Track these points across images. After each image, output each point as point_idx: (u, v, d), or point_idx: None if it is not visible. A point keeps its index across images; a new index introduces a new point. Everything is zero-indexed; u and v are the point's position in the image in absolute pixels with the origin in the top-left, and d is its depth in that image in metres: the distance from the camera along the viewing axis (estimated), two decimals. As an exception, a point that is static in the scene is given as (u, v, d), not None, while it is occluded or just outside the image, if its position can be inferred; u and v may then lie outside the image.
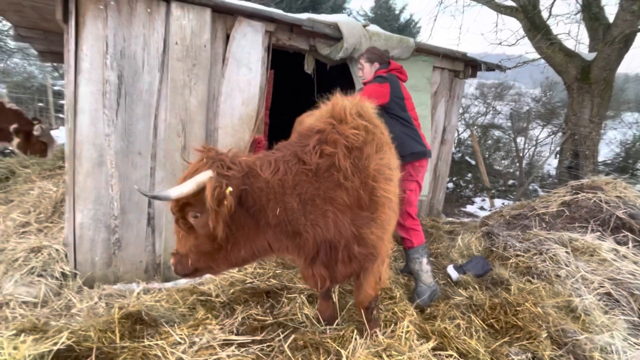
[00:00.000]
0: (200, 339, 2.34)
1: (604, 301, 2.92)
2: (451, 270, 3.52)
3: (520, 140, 10.17)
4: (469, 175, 10.57)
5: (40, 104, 12.98)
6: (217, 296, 3.02)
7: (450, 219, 6.52)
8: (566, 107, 6.91)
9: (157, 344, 2.25)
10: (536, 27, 5.88)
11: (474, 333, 2.52)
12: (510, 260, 3.52)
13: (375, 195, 2.11)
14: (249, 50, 3.58)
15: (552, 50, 5.71)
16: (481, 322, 2.70)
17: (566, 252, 3.38)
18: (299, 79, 6.41)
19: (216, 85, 3.53)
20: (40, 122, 5.11)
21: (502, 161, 11.84)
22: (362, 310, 2.45)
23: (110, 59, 3.04)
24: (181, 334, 2.37)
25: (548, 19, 5.99)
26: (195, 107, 3.38)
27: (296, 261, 2.25)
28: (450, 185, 9.98)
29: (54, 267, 3.11)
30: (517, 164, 9.87)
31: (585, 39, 6.23)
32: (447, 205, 7.54)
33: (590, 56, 5.60)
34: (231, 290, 3.10)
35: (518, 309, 2.71)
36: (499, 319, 2.69)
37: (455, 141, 10.93)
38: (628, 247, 3.44)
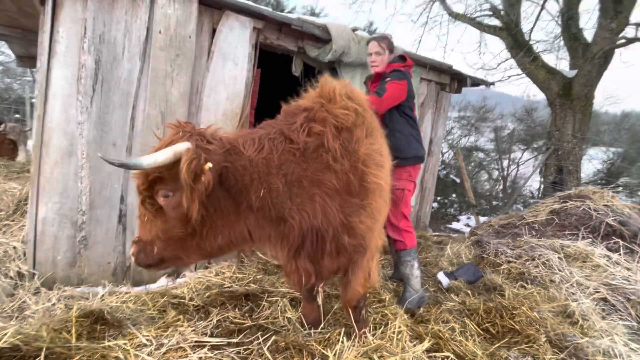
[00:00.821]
0: (169, 340, 2.08)
1: (600, 306, 2.80)
2: (442, 277, 3.36)
3: (504, 161, 10.31)
4: (454, 195, 10.60)
5: (17, 115, 12.58)
6: (191, 299, 2.76)
7: (437, 233, 6.42)
8: (549, 124, 7.05)
9: (118, 345, 1.98)
10: (519, 45, 6.04)
11: (469, 337, 2.34)
12: (502, 267, 3.39)
13: (366, 180, 1.96)
14: (236, 44, 3.48)
15: (535, 67, 5.85)
16: (476, 327, 2.52)
17: (559, 257, 3.28)
18: (286, 82, 6.35)
19: (200, 78, 3.39)
20: (5, 123, 4.84)
21: (485, 183, 11.96)
22: (350, 310, 2.25)
23: (88, 42, 2.87)
24: (147, 335, 2.11)
25: (529, 37, 6.17)
26: (177, 99, 3.22)
27: (277, 255, 2.04)
28: (435, 204, 9.97)
29: (9, 265, 2.81)
30: (501, 185, 9.95)
31: (566, 57, 6.46)
32: (432, 222, 7.46)
33: (571, 73, 5.76)
34: (207, 294, 2.84)
35: (514, 312, 2.56)
36: (495, 322, 2.52)
37: (440, 161, 11.04)
38: (620, 254, 3.36)
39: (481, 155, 12.04)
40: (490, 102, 12.99)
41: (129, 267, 3.21)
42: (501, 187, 10.03)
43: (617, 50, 5.30)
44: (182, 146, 1.57)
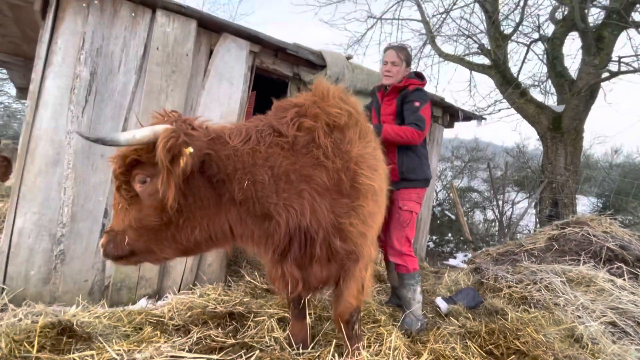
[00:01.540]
0: (142, 354, 1.88)
1: (609, 330, 2.62)
2: (440, 302, 3.17)
3: (499, 201, 10.29)
4: (450, 235, 10.45)
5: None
6: (171, 319, 2.56)
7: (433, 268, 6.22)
8: (540, 158, 7.13)
9: (84, 358, 1.78)
10: (508, 82, 6.26)
11: (472, 357, 2.15)
12: (503, 292, 3.22)
13: (358, 182, 1.88)
14: (232, 65, 3.55)
15: (524, 102, 6.02)
16: (478, 349, 2.33)
17: (562, 281, 3.13)
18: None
19: (195, 96, 3.41)
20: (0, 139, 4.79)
21: (480, 223, 11.86)
22: (342, 325, 2.07)
23: (85, 54, 2.90)
24: (118, 350, 1.91)
25: (518, 75, 6.43)
26: (171, 113, 3.20)
27: (262, 257, 1.91)
28: (431, 244, 9.80)
29: (-23, 279, 2.61)
30: (497, 225, 9.85)
31: (554, 92, 6.70)
32: (428, 259, 7.27)
33: (559, 108, 5.92)
34: (188, 314, 2.64)
35: (519, 333, 2.38)
36: (499, 344, 2.34)
37: (434, 200, 11.01)
38: (624, 279, 3.23)
39: (475, 195, 12.09)
40: (482, 142, 13.30)
41: (107, 286, 3.01)
42: (497, 227, 9.94)
43: (601, 91, 5.54)
44: (162, 127, 1.51)
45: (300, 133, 1.80)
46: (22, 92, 8.04)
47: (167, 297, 3.14)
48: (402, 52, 2.90)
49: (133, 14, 3.09)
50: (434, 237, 10.04)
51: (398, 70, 2.87)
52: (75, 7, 2.89)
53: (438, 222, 10.36)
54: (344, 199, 1.85)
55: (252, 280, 3.54)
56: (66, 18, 2.86)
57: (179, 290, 3.22)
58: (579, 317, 2.69)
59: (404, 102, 2.85)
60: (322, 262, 1.91)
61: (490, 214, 11.06)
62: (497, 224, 9.69)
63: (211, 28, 3.45)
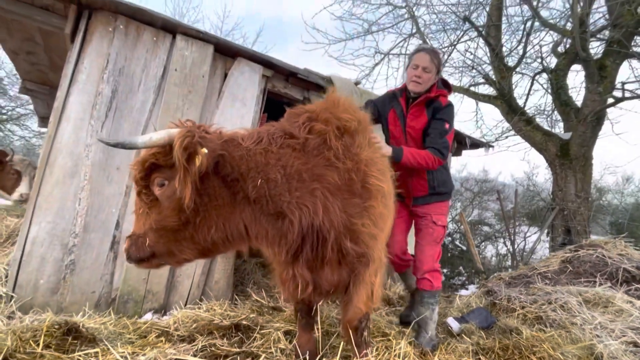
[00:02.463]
0: (146, 356, 1.85)
1: (630, 350, 2.50)
2: (452, 321, 3.07)
3: (510, 231, 10.11)
4: (461, 267, 10.21)
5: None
6: (177, 329, 2.52)
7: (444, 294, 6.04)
8: (550, 186, 7.09)
9: (88, 357, 1.77)
10: (514, 110, 6.37)
11: (485, 370, 2.06)
12: (517, 312, 3.12)
13: (368, 182, 1.92)
14: (245, 87, 3.72)
15: (531, 129, 6.08)
16: (492, 364, 2.23)
17: (578, 301, 3.02)
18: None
19: (209, 115, 3.55)
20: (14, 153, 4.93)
21: (492, 258, 11.59)
22: (350, 331, 2.02)
23: (108, 74, 3.09)
24: (123, 352, 1.89)
25: (524, 104, 6.54)
26: (185, 130, 3.33)
27: (274, 258, 1.92)
28: (442, 276, 9.58)
29: (-12, 287, 2.64)
30: (509, 254, 9.62)
31: (560, 120, 6.77)
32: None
33: (566, 136, 5.97)
34: (193, 325, 2.60)
35: (535, 349, 2.29)
36: (514, 359, 2.24)
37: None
38: (643, 301, 3.10)
39: (486, 228, 11.90)
40: (491, 174, 13.30)
41: (114, 298, 2.99)
42: (509, 260, 9.70)
43: (609, 123, 5.59)
44: (177, 129, 1.60)
45: (312, 136, 1.87)
46: (45, 121, 8.41)
47: (171, 313, 3.10)
48: (436, 57, 2.56)
49: (154, 38, 3.31)
50: (445, 270, 9.81)
51: (429, 77, 2.55)
52: (102, 31, 3.11)
53: (449, 254, 10.16)
54: (356, 198, 1.88)
55: (259, 299, 3.49)
56: (93, 41, 3.07)
57: (185, 304, 3.19)
58: (598, 336, 2.57)
59: (433, 117, 2.62)
60: (333, 265, 1.91)
61: (501, 247, 10.83)
62: (510, 256, 9.48)
63: (227, 53, 3.65)
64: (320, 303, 2.27)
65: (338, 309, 3.23)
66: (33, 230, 2.79)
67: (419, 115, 2.66)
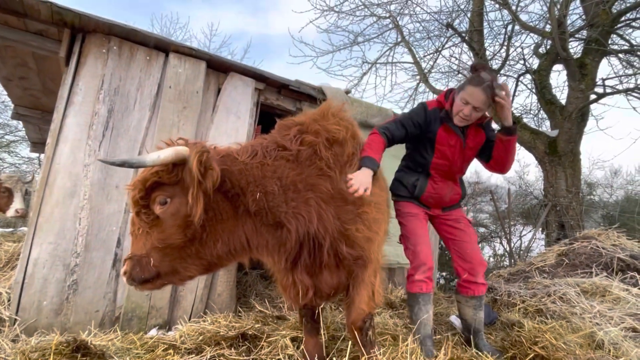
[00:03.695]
0: (157, 368, 1.87)
1: (630, 336, 2.56)
2: (454, 319, 3.11)
3: (506, 231, 10.21)
4: (460, 270, 10.23)
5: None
6: (183, 342, 2.53)
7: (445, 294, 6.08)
8: (542, 182, 7.22)
9: (99, 372, 1.78)
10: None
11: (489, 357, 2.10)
12: (518, 306, 3.17)
13: None
14: (239, 101, 3.79)
15: (519, 129, 6.22)
16: (498, 357, 2.27)
17: (576, 292, 3.09)
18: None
19: (204, 129, 3.61)
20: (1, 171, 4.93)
21: (490, 258, 11.68)
22: (356, 332, 2.06)
23: (103, 94, 3.14)
24: (133, 366, 1.90)
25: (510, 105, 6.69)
26: (182, 145, 3.38)
27: (275, 266, 1.96)
28: (442, 281, 9.61)
29: (-10, 311, 2.62)
30: (507, 253, 9.71)
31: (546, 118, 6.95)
32: (439, 294, 7.11)
33: (553, 133, 6.12)
34: (200, 338, 2.61)
35: (537, 339, 2.34)
36: (518, 350, 2.28)
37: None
38: (639, 288, 3.18)
39: (482, 230, 12.02)
40: (483, 175, 13.49)
41: (118, 317, 2.99)
42: (506, 260, 9.78)
43: (594, 119, 5.74)
44: (183, 148, 1.64)
45: (303, 147, 1.94)
46: (36, 146, 8.38)
47: (177, 328, 3.10)
48: (490, 94, 2.21)
49: (148, 57, 3.38)
50: (444, 273, 9.84)
51: (477, 116, 2.33)
52: (96, 53, 3.17)
53: (447, 257, 10.21)
54: (349, 205, 1.94)
55: (262, 310, 3.50)
56: (88, 62, 3.13)
57: (189, 318, 3.19)
58: (598, 324, 2.63)
59: (487, 132, 2.54)
60: (331, 268, 1.97)
61: (498, 247, 10.93)
62: (507, 256, 9.56)
63: (219, 68, 3.73)
64: (322, 306, 2.30)
65: (342, 315, 3.26)
66: (34, 252, 2.79)
67: (477, 135, 2.52)
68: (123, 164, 1.58)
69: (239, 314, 3.41)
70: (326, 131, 2.01)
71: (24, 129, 7.97)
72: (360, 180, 1.93)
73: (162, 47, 3.42)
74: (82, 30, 3.12)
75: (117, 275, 3.05)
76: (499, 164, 2.52)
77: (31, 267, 2.77)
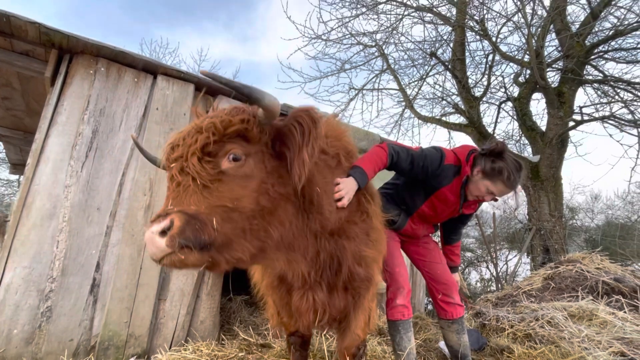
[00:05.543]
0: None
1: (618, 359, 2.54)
2: (443, 346, 3.05)
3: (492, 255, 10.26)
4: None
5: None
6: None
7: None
8: (526, 206, 7.34)
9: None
10: (484, 137, 6.70)
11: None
12: (507, 331, 3.13)
13: (364, 206, 1.96)
14: (227, 123, 3.78)
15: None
16: (488, 385, 2.22)
17: (563, 316, 3.08)
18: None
19: (191, 151, 3.57)
20: None
21: (477, 283, 11.66)
22: (348, 359, 1.99)
23: (88, 114, 3.10)
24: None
25: (493, 131, 6.91)
26: (167, 167, 3.33)
27: (297, 280, 1.81)
28: (430, 307, 9.52)
29: (-45, 341, 2.45)
30: (493, 278, 9.72)
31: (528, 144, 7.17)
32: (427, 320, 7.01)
33: (535, 158, 6.29)
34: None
35: (527, 365, 2.30)
36: (508, 377, 2.24)
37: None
38: (625, 311, 3.19)
39: (469, 254, 12.05)
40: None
41: (94, 346, 2.83)
42: (493, 284, 9.77)
43: (573, 146, 5.96)
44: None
45: (330, 156, 1.87)
46: (17, 168, 8.18)
47: (156, 357, 2.95)
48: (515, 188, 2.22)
49: (135, 79, 3.38)
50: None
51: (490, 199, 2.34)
52: (83, 74, 3.15)
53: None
54: (361, 224, 1.90)
55: (247, 338, 3.37)
56: (74, 83, 3.10)
57: (170, 349, 3.04)
58: (586, 348, 2.61)
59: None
60: (339, 290, 1.87)
61: (485, 272, 10.95)
62: (494, 280, 9.56)
63: (207, 91, 3.74)
64: (322, 332, 2.22)
65: (329, 342, 3.16)
66: (7, 276, 2.65)
67: (474, 206, 2.58)
68: (228, 84, 1.35)
69: (222, 342, 3.28)
70: (343, 148, 1.98)
71: (4, 150, 7.79)
72: (347, 190, 1.79)
73: (151, 70, 3.43)
74: (70, 51, 3.11)
75: (94, 301, 2.91)
76: (454, 234, 2.80)
77: (2, 293, 2.62)
